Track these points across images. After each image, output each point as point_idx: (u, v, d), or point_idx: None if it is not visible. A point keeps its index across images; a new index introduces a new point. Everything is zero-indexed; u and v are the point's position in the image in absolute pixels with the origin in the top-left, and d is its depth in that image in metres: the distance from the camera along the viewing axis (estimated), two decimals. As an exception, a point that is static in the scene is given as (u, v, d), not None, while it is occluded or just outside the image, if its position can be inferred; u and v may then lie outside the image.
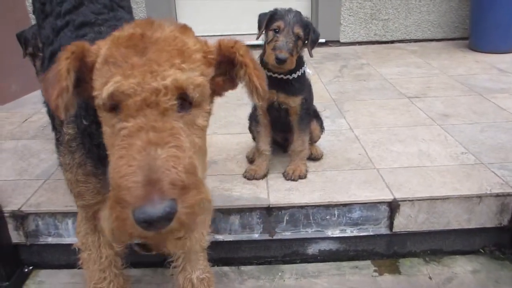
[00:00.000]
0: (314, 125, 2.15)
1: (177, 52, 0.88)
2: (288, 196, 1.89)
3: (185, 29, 0.97)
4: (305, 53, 1.99)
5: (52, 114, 1.35)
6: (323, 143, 2.35)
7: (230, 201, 1.87)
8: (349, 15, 4.60)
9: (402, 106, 2.89)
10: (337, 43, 4.68)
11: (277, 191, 1.93)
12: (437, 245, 1.99)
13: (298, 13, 1.88)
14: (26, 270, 1.95)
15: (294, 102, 1.97)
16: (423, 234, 1.95)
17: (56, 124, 1.29)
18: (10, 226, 1.89)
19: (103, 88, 0.84)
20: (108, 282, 1.49)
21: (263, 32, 1.92)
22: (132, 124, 0.81)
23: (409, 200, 1.87)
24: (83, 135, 1.14)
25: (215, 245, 1.90)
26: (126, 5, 1.61)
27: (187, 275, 1.57)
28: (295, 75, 1.92)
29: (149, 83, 0.82)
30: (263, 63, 1.90)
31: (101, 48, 0.92)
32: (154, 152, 0.78)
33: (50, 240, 1.92)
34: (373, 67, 3.82)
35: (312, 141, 2.18)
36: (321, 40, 4.60)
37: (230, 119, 2.76)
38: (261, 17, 1.95)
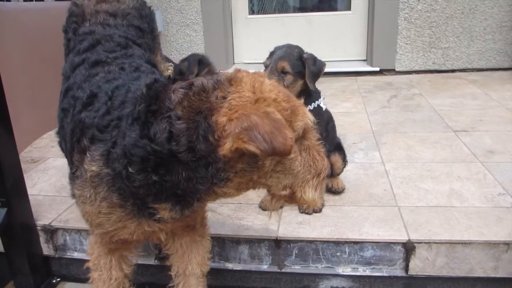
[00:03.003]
0: (336, 157, 2.12)
1: None
2: (297, 229, 1.87)
3: None
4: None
5: (69, 151, 1.37)
6: (349, 176, 2.30)
7: (240, 231, 1.89)
8: (406, 44, 4.48)
9: (445, 140, 2.75)
10: (392, 71, 4.56)
11: (288, 223, 1.92)
12: (462, 292, 1.85)
13: (290, 47, 1.89)
14: (54, 281, 2.10)
15: None
16: (445, 279, 1.82)
17: (74, 159, 1.32)
18: (42, 239, 2.06)
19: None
20: None
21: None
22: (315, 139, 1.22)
23: (425, 242, 1.76)
24: (116, 176, 1.19)
25: (225, 273, 1.93)
26: (144, 42, 1.72)
27: (186, 301, 1.60)
28: None
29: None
30: None
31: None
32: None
33: (76, 255, 2.06)
34: (424, 98, 3.67)
35: (334, 173, 2.15)
36: (375, 69, 4.53)
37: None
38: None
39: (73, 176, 1.33)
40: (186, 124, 1.06)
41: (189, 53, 5.03)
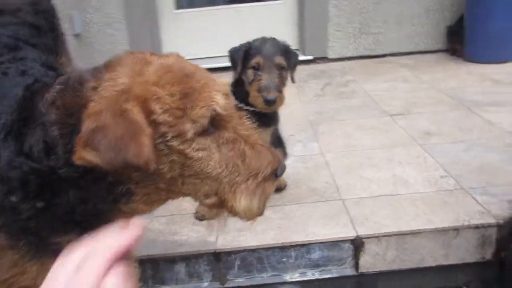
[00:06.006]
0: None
1: None
2: (238, 238, 1.70)
3: None
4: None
5: None
6: (288, 171, 2.13)
7: (174, 247, 1.69)
8: (337, 31, 4.43)
9: (382, 125, 2.69)
10: (325, 59, 4.50)
11: (226, 232, 1.74)
12: (415, 284, 1.77)
13: (275, 41, 1.72)
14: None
15: (267, 134, 1.82)
16: (396, 272, 1.73)
17: None
18: None
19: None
20: None
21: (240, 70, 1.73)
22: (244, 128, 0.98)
23: (374, 237, 1.66)
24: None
25: (162, 296, 1.72)
26: (40, 42, 1.46)
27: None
28: None
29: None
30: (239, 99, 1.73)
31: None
32: None
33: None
34: (358, 84, 3.63)
35: (274, 170, 2.00)
36: (308, 58, 4.45)
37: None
38: (233, 53, 1.75)
39: None
40: (59, 130, 0.84)
41: (112, 54, 4.70)
